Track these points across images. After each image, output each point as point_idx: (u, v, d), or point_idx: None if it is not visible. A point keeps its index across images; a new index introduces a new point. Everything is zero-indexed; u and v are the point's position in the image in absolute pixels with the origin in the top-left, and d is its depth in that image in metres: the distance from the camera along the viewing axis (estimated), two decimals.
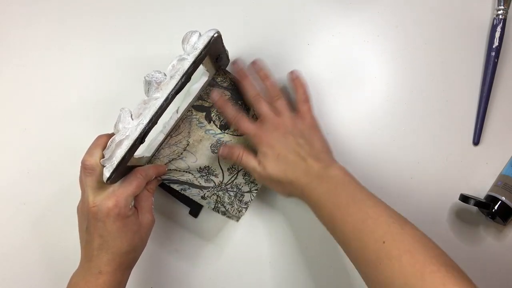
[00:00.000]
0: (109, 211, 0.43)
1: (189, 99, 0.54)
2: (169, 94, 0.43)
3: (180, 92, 0.45)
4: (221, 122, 0.55)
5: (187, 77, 0.44)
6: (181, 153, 0.54)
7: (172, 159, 0.54)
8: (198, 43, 0.44)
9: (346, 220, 0.43)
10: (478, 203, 0.51)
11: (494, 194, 0.53)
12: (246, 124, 0.52)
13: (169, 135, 0.54)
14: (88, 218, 0.45)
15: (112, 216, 0.44)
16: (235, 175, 0.54)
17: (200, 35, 0.45)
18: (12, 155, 0.59)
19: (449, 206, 0.55)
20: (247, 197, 0.54)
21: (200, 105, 0.55)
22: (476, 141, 0.56)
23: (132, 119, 0.43)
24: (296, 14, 0.60)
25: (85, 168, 0.44)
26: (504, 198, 0.52)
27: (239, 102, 0.55)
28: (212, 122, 0.55)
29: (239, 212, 0.53)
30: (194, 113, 0.55)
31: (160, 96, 0.43)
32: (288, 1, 0.60)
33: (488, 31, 0.58)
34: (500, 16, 0.56)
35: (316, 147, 0.49)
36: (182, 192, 0.52)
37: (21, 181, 0.58)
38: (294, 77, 0.54)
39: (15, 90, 0.60)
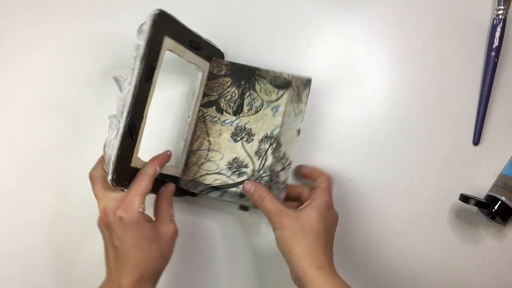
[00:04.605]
0: (119, 218, 0.43)
1: (195, 101, 0.55)
2: (136, 81, 0.43)
3: (186, 96, 0.45)
4: (232, 108, 0.54)
5: (147, 60, 0.44)
6: (207, 155, 0.54)
7: (201, 164, 0.53)
8: (144, 27, 0.44)
9: None
10: (478, 203, 0.51)
11: (494, 194, 0.53)
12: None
13: (190, 142, 0.54)
14: (101, 229, 0.45)
15: (122, 223, 0.43)
16: (264, 156, 0.52)
17: None
18: (12, 155, 0.59)
19: (449, 206, 0.55)
20: (282, 176, 0.52)
21: (207, 101, 0.55)
22: (476, 141, 0.56)
23: (118, 120, 0.44)
24: (296, 14, 0.60)
25: (90, 179, 0.46)
26: (504, 198, 0.52)
27: (242, 82, 0.55)
28: (224, 112, 0.54)
29: (279, 196, 0.51)
30: (205, 111, 0.55)
31: (130, 87, 0.44)
32: (288, 1, 0.60)
33: (488, 31, 0.58)
34: (500, 16, 0.56)
35: None
36: (222, 199, 0.52)
37: (21, 181, 0.58)
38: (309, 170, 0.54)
39: (15, 90, 0.60)
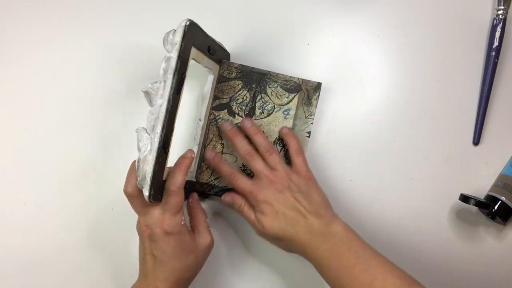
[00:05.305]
0: (165, 233, 0.45)
1: (206, 103, 0.54)
2: (169, 95, 0.43)
3: (196, 100, 0.44)
4: (244, 111, 0.55)
5: (178, 73, 0.43)
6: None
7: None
8: (175, 38, 0.44)
9: (352, 283, 0.43)
10: (478, 203, 0.51)
11: (494, 194, 0.53)
12: (241, 182, 0.50)
13: (202, 146, 0.54)
14: (142, 238, 0.47)
15: (167, 237, 0.45)
16: None
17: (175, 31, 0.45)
18: (12, 155, 0.59)
19: (449, 206, 0.55)
20: None
21: (219, 104, 0.55)
22: (476, 141, 0.56)
23: (149, 134, 0.43)
24: (296, 14, 0.60)
25: (126, 196, 0.46)
26: (504, 198, 0.52)
27: (253, 86, 0.55)
28: (236, 115, 0.55)
29: None
30: (216, 114, 0.55)
31: (163, 101, 0.43)
32: (288, 1, 0.60)
33: (488, 31, 0.58)
34: (500, 16, 0.56)
35: (315, 202, 0.48)
36: None
37: (21, 181, 0.58)
38: (285, 132, 0.54)
39: (15, 90, 0.60)
